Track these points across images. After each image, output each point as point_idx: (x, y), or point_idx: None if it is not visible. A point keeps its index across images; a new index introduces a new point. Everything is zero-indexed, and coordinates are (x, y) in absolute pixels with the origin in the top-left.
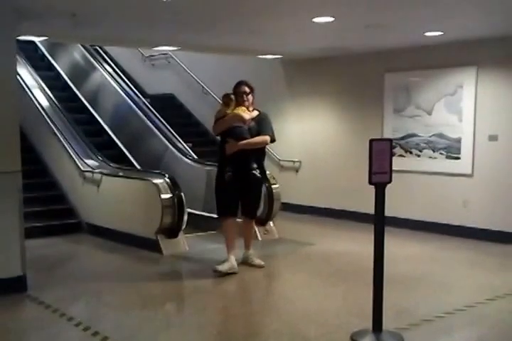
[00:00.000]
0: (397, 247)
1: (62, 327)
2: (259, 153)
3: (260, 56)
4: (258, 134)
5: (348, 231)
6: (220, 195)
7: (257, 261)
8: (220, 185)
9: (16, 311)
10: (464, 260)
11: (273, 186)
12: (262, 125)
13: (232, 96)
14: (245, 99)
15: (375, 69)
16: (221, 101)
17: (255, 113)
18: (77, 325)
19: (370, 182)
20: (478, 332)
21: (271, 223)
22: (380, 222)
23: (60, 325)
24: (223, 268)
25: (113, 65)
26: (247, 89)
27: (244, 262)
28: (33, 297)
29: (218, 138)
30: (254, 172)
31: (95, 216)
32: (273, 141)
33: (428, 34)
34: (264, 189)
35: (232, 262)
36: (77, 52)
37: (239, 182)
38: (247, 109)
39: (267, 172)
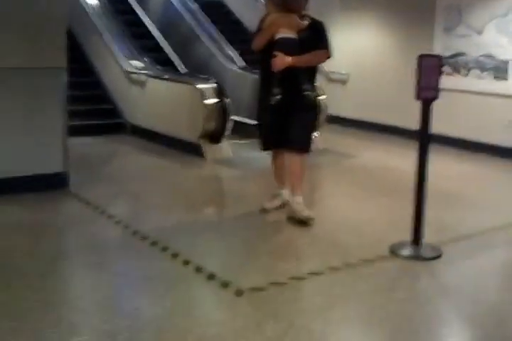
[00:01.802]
0: (440, 165)
1: (103, 224)
2: (312, 72)
3: None
4: (312, 48)
5: (392, 146)
6: (266, 124)
7: (306, 213)
8: (265, 111)
9: (57, 206)
10: (507, 181)
11: (319, 97)
12: (318, 36)
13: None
14: (293, 0)
15: None
16: (265, 4)
17: (307, 20)
18: (118, 222)
19: (418, 98)
20: None
21: (316, 133)
22: (424, 138)
23: (100, 221)
24: (273, 204)
25: None
26: None
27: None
28: (74, 194)
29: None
30: (307, 93)
31: (139, 117)
32: (330, 57)
33: None
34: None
35: (283, 196)
36: None
37: (289, 107)
38: (299, 15)
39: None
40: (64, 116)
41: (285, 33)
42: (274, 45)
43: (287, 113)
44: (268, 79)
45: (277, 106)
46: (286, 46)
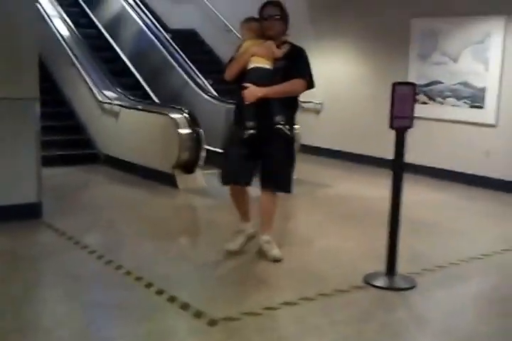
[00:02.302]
0: (415, 194)
1: (77, 254)
2: (289, 103)
3: None
4: (290, 78)
5: (366, 175)
6: (228, 158)
7: (274, 252)
8: (234, 144)
9: (31, 237)
10: (483, 210)
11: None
12: (296, 64)
13: (255, 24)
14: (271, 26)
15: (402, 13)
16: (241, 32)
17: (285, 48)
18: (92, 252)
19: (391, 126)
20: (491, 281)
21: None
22: (399, 167)
23: (74, 252)
24: (236, 243)
25: None
26: (275, 12)
27: (258, 251)
28: (48, 224)
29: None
30: (281, 127)
31: (113, 147)
32: (311, 87)
33: None
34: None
35: (246, 231)
36: None
37: (261, 142)
38: (278, 42)
39: None
40: (38, 146)
41: (258, 63)
42: (246, 76)
43: (260, 148)
44: (241, 111)
45: (249, 140)
46: (259, 76)
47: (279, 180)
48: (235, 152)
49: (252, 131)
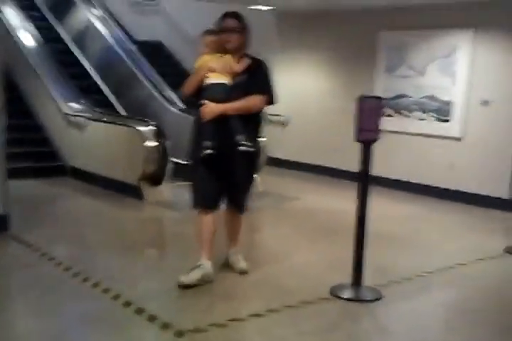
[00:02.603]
0: (381, 206)
1: (44, 267)
2: (251, 119)
3: (252, 7)
4: (250, 93)
5: (333, 188)
6: (195, 180)
7: (241, 265)
8: (195, 166)
9: None
10: (449, 222)
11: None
12: (255, 79)
13: (211, 38)
14: (229, 39)
15: (370, 27)
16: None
17: (246, 62)
18: (58, 264)
19: (357, 139)
20: (457, 293)
21: (256, 176)
22: (364, 179)
23: (41, 264)
24: (190, 278)
25: (100, 9)
26: (233, 24)
27: (225, 263)
28: (15, 236)
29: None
30: (242, 148)
31: (79, 160)
32: (271, 103)
33: None
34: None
35: (205, 268)
36: None
37: (222, 162)
38: (238, 55)
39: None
40: (3, 158)
41: (216, 78)
42: (203, 92)
43: (222, 169)
44: (200, 130)
45: (209, 160)
46: (217, 93)
47: (244, 201)
48: (199, 173)
49: (209, 151)
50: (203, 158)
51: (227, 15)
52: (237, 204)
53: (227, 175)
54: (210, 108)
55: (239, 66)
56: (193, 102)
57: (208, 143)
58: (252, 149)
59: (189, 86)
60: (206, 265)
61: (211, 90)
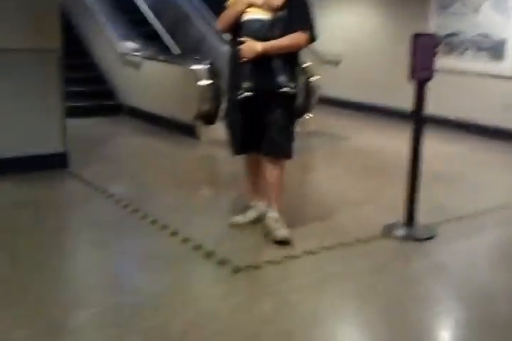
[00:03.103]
0: (435, 146)
1: (103, 203)
2: (291, 59)
3: None
4: (292, 30)
5: (385, 127)
6: (231, 125)
7: (282, 232)
8: (231, 110)
9: (58, 186)
10: (501, 162)
11: (311, 78)
12: (295, 15)
13: None
14: None
15: None
16: None
17: None
18: (118, 201)
19: (412, 78)
20: (509, 232)
21: (308, 115)
22: (419, 119)
23: (100, 200)
24: (245, 217)
25: None
26: None
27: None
28: (75, 173)
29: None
30: (284, 89)
31: (135, 99)
32: (313, 40)
33: None
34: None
35: (259, 209)
36: None
37: (260, 105)
38: None
39: (306, 64)
40: (62, 97)
41: (254, 14)
42: (241, 29)
43: (259, 112)
44: (237, 70)
45: (246, 103)
46: (256, 30)
47: (283, 148)
48: (234, 118)
49: (248, 94)
50: (241, 100)
51: None
52: (276, 149)
53: (265, 117)
54: (251, 46)
55: (279, 1)
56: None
57: (246, 85)
58: (293, 90)
59: (225, 22)
60: (259, 206)
61: (250, 27)
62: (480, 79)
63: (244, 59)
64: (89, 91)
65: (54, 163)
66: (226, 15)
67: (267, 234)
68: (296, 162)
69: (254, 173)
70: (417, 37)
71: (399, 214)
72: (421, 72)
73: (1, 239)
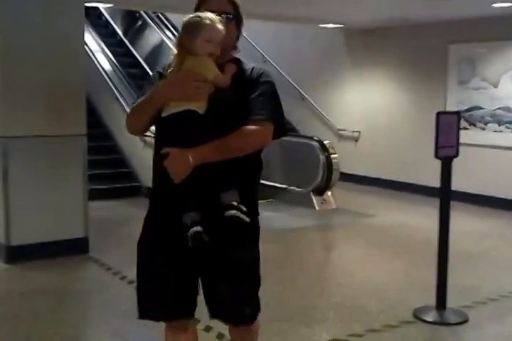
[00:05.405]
0: (460, 222)
1: (123, 290)
2: (246, 166)
3: (321, 25)
4: (240, 122)
5: (408, 203)
6: (149, 271)
7: None
8: (150, 247)
9: (79, 272)
10: None
11: (332, 156)
12: (253, 98)
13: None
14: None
15: (439, 40)
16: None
17: (231, 68)
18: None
19: (436, 156)
20: None
21: (329, 193)
22: (446, 197)
23: (120, 287)
24: None
25: (173, 29)
26: (224, 8)
27: None
28: (95, 259)
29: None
30: (234, 212)
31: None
32: (280, 135)
33: (496, 5)
34: (250, 256)
35: None
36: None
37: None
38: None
39: (326, 141)
40: (85, 181)
41: (180, 105)
42: (159, 130)
43: (203, 254)
44: (162, 189)
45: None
46: (182, 130)
47: (244, 305)
48: (155, 262)
49: (197, 229)
50: (193, 242)
51: None
52: (230, 311)
53: (213, 262)
54: (178, 161)
55: (225, 76)
56: None
57: (190, 216)
58: (246, 219)
59: (137, 120)
60: None
61: (174, 127)
62: (503, 152)
63: (177, 181)
64: (110, 173)
65: (75, 248)
66: (140, 106)
67: None
68: (318, 241)
69: None
70: (439, 115)
71: (428, 296)
72: (445, 150)
73: (20, 330)
